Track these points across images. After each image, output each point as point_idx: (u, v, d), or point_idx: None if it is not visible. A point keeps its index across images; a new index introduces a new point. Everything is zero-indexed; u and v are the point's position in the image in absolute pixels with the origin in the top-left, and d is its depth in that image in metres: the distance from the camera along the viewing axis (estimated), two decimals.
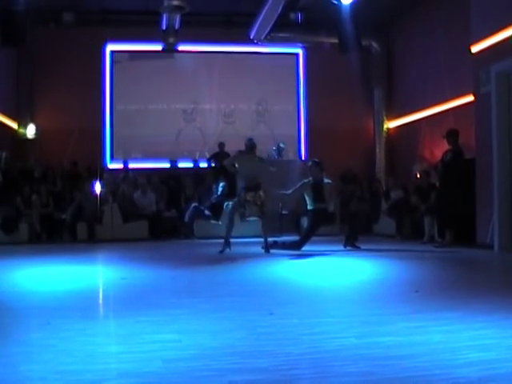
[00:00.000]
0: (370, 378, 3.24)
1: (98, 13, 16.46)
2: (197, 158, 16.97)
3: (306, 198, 10.86)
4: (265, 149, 15.32)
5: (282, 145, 15.43)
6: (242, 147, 16.67)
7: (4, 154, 14.35)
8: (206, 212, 14.27)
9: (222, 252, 10.47)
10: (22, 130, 16.49)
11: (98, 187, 14.40)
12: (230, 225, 10.76)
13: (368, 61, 17.54)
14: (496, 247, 10.23)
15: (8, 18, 12.83)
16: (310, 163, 11.26)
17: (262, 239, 10.77)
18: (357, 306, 5.47)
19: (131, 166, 16.55)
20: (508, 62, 10.05)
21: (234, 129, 17.74)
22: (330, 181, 11.03)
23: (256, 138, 16.98)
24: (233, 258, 10.11)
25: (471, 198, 10.94)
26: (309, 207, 10.91)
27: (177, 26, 15.71)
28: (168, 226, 14.78)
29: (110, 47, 17.38)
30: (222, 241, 10.70)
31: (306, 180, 10.91)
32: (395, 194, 14.28)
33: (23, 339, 4.18)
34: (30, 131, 16.49)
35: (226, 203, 14.40)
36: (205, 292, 6.45)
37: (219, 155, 15.90)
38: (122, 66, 17.49)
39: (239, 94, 17.93)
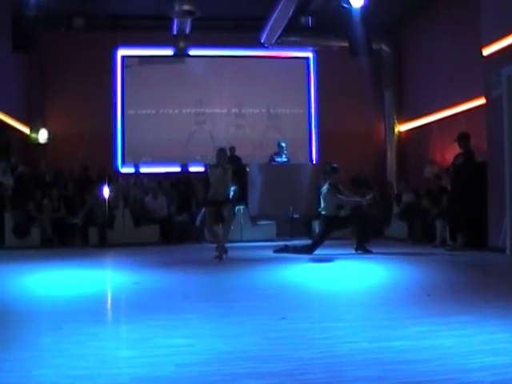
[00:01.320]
0: (382, 382, 3.23)
1: (108, 18, 16.51)
2: (207, 162, 16.94)
3: (326, 202, 10.84)
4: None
5: (282, 143, 15.35)
6: (253, 151, 16.89)
7: (13, 160, 14.40)
8: None
9: (217, 257, 10.42)
10: (33, 135, 16.57)
11: (107, 192, 14.39)
12: (213, 233, 10.85)
13: (378, 64, 17.51)
14: (508, 250, 10.16)
15: (19, 24, 12.87)
16: (329, 168, 11.35)
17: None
18: (368, 310, 5.46)
19: (142, 170, 16.57)
20: None
21: (244, 133, 17.76)
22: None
23: (266, 142, 17.26)
24: (243, 262, 10.13)
25: (483, 201, 10.88)
26: (323, 212, 10.91)
27: (187, 31, 15.74)
28: (179, 230, 14.77)
29: (121, 52, 17.43)
30: (232, 244, 10.73)
31: (331, 186, 10.90)
32: (406, 198, 14.24)
33: (35, 344, 4.19)
34: (42, 136, 16.56)
35: (237, 207, 14.41)
36: (216, 296, 6.46)
37: (230, 159, 15.87)
38: (133, 71, 17.53)
39: (250, 98, 17.92)
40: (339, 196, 10.93)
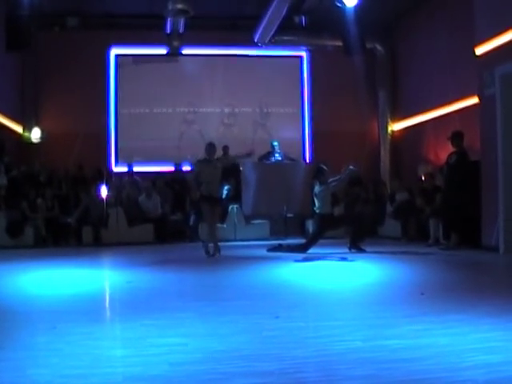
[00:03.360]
0: (376, 381, 3.24)
1: (102, 17, 16.48)
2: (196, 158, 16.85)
3: (320, 200, 10.82)
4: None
5: (275, 143, 15.34)
6: (246, 150, 16.79)
7: (6, 159, 14.35)
8: None
9: (210, 256, 10.44)
10: (27, 134, 16.54)
11: (104, 191, 14.38)
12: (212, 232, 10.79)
13: (372, 63, 17.52)
14: (501, 249, 10.19)
15: (13, 23, 12.82)
16: (316, 170, 11.36)
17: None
18: (362, 308, 5.47)
19: (136, 169, 16.53)
20: None
21: (238, 132, 17.73)
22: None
23: (260, 142, 17.24)
24: (237, 262, 10.13)
25: (476, 200, 10.91)
26: (318, 211, 10.89)
27: (181, 30, 15.72)
28: (173, 229, 14.76)
29: (115, 51, 17.40)
30: (225, 244, 10.71)
31: (323, 184, 10.87)
32: (400, 197, 14.25)
33: (30, 343, 4.18)
34: (35, 135, 16.53)
35: (230, 206, 14.41)
36: (210, 295, 6.46)
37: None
38: (127, 70, 17.50)
39: (243, 98, 17.92)
40: (332, 185, 10.89)
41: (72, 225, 14.00)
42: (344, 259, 9.69)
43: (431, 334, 4.21)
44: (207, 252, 10.60)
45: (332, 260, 9.72)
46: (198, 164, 11.00)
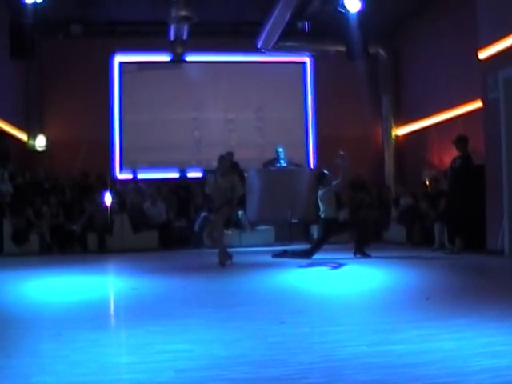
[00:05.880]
0: None
1: (105, 24, 16.53)
2: (205, 167, 16.89)
3: (324, 204, 10.80)
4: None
5: (280, 149, 15.33)
6: (250, 156, 16.87)
7: (10, 167, 14.35)
8: None
9: (222, 265, 10.14)
10: (31, 142, 16.57)
11: (108, 198, 14.40)
12: (213, 241, 10.66)
13: (375, 68, 17.53)
14: (506, 253, 10.18)
15: (17, 31, 12.87)
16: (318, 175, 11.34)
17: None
18: (368, 313, 5.46)
19: (140, 176, 16.55)
20: None
21: (242, 138, 17.73)
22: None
23: (264, 147, 17.26)
24: (242, 268, 10.11)
25: (481, 204, 10.90)
26: (322, 215, 10.87)
27: (185, 37, 15.75)
28: (178, 235, 14.76)
29: (119, 58, 17.44)
30: (231, 250, 10.60)
31: (326, 187, 10.83)
32: (404, 201, 14.24)
33: (35, 350, 4.18)
34: (40, 143, 16.57)
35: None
36: (215, 301, 6.46)
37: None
38: (131, 77, 17.53)
39: (247, 103, 17.92)
40: (335, 184, 10.79)
41: (77, 232, 14.01)
42: (344, 265, 9.65)
43: (437, 338, 4.21)
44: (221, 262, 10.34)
45: (336, 265, 9.70)
46: (208, 175, 10.94)
